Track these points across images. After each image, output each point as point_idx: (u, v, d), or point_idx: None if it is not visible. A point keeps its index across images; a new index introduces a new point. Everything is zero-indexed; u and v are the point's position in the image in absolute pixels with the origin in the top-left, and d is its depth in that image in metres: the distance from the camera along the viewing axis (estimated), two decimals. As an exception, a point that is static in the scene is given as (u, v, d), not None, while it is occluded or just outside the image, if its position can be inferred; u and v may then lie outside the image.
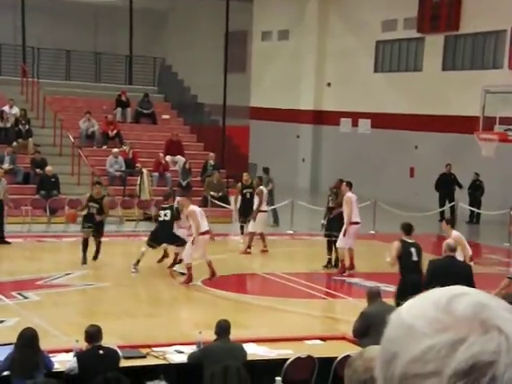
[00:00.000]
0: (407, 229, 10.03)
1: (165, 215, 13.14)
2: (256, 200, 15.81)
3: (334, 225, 13.77)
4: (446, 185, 20.49)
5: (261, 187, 15.96)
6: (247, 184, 16.45)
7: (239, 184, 16.77)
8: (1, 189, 15.36)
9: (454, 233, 10.77)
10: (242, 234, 16.33)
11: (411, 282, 9.17)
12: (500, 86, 16.05)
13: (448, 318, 0.96)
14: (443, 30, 22.73)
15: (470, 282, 8.59)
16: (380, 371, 0.98)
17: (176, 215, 13.10)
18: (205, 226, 12.41)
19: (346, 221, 13.43)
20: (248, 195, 16.27)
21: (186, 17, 28.20)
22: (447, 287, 1.01)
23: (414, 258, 9.78)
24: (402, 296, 8.72)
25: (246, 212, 16.08)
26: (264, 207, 15.92)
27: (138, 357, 7.65)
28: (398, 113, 23.91)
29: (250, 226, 15.61)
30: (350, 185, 14.06)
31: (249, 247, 15.34)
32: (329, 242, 13.98)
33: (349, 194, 13.75)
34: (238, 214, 16.53)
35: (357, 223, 13.69)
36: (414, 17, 23.38)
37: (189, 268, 12.35)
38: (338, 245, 13.63)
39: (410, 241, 9.94)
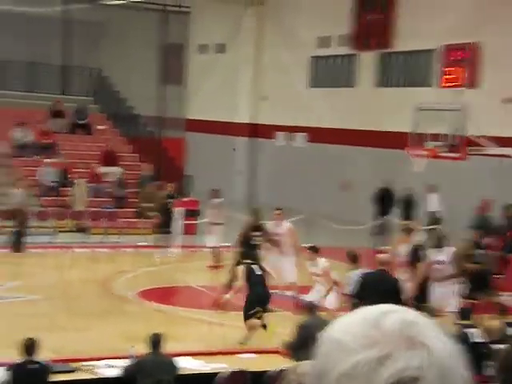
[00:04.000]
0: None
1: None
2: (211, 213, 15.67)
3: None
4: (381, 199, 20.85)
5: (217, 199, 15.86)
6: (170, 194, 16.47)
7: (163, 193, 16.79)
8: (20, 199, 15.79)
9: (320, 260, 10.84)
10: (159, 247, 15.96)
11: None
12: (431, 104, 16.53)
13: (376, 333, 0.97)
14: (376, 48, 23.31)
15: (398, 295, 8.87)
16: None
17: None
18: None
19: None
20: (169, 205, 16.29)
21: (122, 28, 28.02)
22: (378, 305, 1.03)
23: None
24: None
25: (167, 223, 16.03)
26: (220, 219, 15.69)
27: (67, 371, 7.57)
28: (333, 127, 24.36)
29: (209, 240, 15.31)
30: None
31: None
32: None
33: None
34: (158, 224, 16.34)
35: None
36: (347, 34, 23.92)
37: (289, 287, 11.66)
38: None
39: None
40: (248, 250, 11.74)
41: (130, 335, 9.92)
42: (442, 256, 10.98)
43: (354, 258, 10.08)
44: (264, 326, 9.99)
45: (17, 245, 15.79)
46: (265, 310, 10.01)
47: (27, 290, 12.67)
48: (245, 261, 10.95)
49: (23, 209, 16.18)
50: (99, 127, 23.11)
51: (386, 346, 0.96)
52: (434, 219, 17.52)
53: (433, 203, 18.99)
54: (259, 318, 9.93)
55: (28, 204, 16.55)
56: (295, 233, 12.37)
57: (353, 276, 9.71)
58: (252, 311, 9.90)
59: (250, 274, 10.16)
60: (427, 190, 19.08)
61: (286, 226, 12.42)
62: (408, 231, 11.46)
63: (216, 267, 14.93)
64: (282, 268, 12.14)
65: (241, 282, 10.21)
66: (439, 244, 11.22)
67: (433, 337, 0.97)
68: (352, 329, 0.99)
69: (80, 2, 26.01)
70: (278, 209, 12.64)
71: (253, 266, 10.35)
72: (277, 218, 12.48)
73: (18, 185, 16.60)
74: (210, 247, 15.41)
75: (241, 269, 10.46)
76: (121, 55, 27.57)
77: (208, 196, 16.27)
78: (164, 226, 16.11)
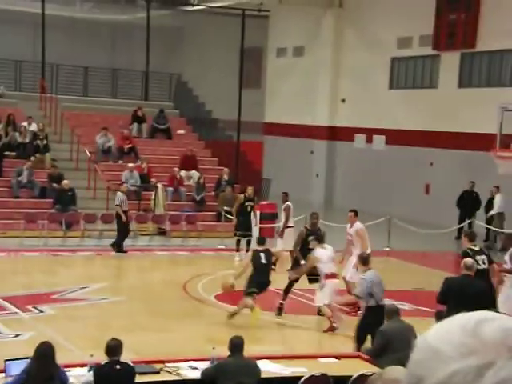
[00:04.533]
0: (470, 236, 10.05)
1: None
2: (283, 216, 15.74)
3: None
4: (467, 202, 20.32)
5: (288, 203, 15.86)
6: (250, 197, 16.48)
7: (241, 195, 16.81)
8: (120, 201, 16.54)
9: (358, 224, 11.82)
10: (238, 249, 16.05)
11: None
12: (516, 104, 15.99)
13: (475, 342, 0.95)
14: (459, 48, 22.73)
15: (487, 302, 8.41)
16: None
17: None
18: (329, 268, 11.01)
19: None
20: (249, 208, 16.30)
21: (201, 33, 28.41)
22: (474, 312, 1.00)
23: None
24: None
25: (245, 226, 16.05)
26: (291, 223, 15.80)
27: (152, 372, 7.65)
28: (413, 129, 23.89)
29: (279, 244, 15.32)
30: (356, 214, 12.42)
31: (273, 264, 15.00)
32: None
33: (361, 226, 12.29)
34: (236, 227, 16.36)
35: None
36: (429, 34, 23.42)
37: (325, 312, 11.20)
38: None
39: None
40: (305, 253, 11.68)
41: (210, 337, 9.98)
42: None
43: (364, 260, 9.76)
44: (251, 308, 10.97)
45: (119, 246, 16.33)
46: (258, 293, 11.01)
47: (111, 292, 12.97)
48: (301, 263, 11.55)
49: (126, 211, 16.62)
50: (179, 132, 23.47)
51: (487, 355, 0.93)
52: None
53: (498, 204, 19.08)
54: (253, 299, 10.97)
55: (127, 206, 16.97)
56: (364, 235, 12.21)
57: (364, 277, 9.43)
58: (249, 290, 10.96)
59: (255, 259, 11.10)
60: (494, 192, 19.22)
61: (357, 227, 12.30)
62: (469, 236, 10.96)
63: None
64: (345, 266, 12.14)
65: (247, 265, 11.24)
66: None
67: None
68: (450, 336, 0.97)
69: (161, 8, 26.53)
70: (351, 210, 12.59)
71: (260, 254, 11.18)
72: (349, 219, 12.46)
73: (121, 188, 17.10)
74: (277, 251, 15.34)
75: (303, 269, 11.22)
76: (200, 60, 27.96)
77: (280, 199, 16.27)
78: (243, 229, 16.15)
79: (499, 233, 19.20)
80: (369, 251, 11.48)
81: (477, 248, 10.04)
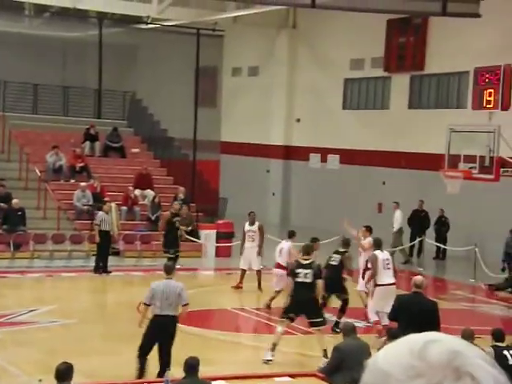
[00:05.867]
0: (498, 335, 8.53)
1: (305, 276, 10.40)
2: (258, 235, 15.66)
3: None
4: (417, 221, 20.65)
5: (259, 223, 15.91)
6: (177, 213, 16.46)
7: (167, 213, 16.78)
8: (110, 220, 16.31)
9: (369, 238, 12.48)
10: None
11: None
12: (464, 126, 16.36)
13: (422, 364, 0.97)
14: (409, 70, 23.16)
15: (434, 319, 8.63)
16: None
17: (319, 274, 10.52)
18: (387, 278, 11.17)
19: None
20: (177, 224, 16.32)
21: (156, 51, 28.31)
22: (422, 333, 1.02)
23: None
24: None
25: (172, 242, 16.01)
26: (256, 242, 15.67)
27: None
28: (366, 149, 24.17)
29: (257, 263, 15.37)
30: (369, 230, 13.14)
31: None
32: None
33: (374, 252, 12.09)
34: (164, 244, 16.36)
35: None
36: (380, 56, 23.81)
37: (375, 324, 11.27)
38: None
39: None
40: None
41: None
42: None
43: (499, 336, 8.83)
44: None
45: (104, 267, 16.23)
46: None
47: (62, 315, 12.66)
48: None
49: (107, 231, 16.52)
50: (133, 150, 23.25)
51: (433, 378, 0.96)
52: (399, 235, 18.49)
53: (399, 221, 19.79)
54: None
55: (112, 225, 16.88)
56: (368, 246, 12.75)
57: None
58: (284, 315, 10.33)
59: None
60: (394, 208, 19.99)
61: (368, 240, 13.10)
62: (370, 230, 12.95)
63: (238, 287, 15.23)
64: None
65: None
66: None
67: (478, 366, 0.98)
68: (398, 359, 0.99)
69: (114, 26, 26.36)
70: (364, 226, 13.57)
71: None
72: (363, 233, 13.39)
73: (104, 207, 16.88)
74: (243, 270, 15.40)
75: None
76: (155, 78, 27.83)
77: (244, 219, 16.25)
78: (171, 246, 16.05)
79: (401, 249, 19.66)
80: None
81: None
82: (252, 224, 15.81)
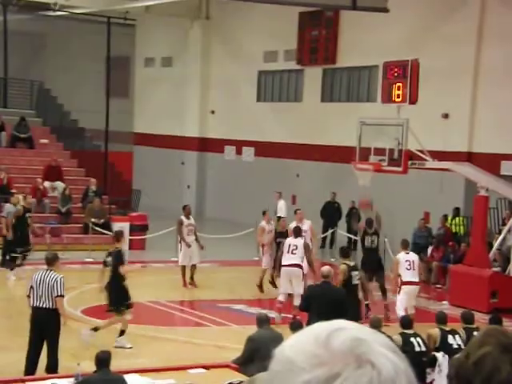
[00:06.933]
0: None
1: (372, 241, 13.16)
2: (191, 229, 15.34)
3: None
4: (329, 212, 21.00)
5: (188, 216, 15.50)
6: (29, 208, 16.08)
7: (19, 207, 15.97)
8: (6, 213, 15.62)
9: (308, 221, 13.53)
10: (16, 266, 15.47)
11: None
12: (374, 119, 16.74)
13: (325, 352, 0.97)
14: (321, 63, 23.49)
15: (342, 307, 8.97)
16: None
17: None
18: (407, 276, 11.87)
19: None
20: (28, 220, 15.70)
21: (65, 40, 27.56)
22: (330, 322, 1.02)
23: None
24: None
25: (24, 240, 15.36)
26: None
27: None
28: (280, 141, 24.39)
29: (198, 257, 15.11)
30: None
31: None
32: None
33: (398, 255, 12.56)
34: (13, 242, 15.59)
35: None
36: (293, 49, 24.03)
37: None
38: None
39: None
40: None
41: (75, 353, 9.60)
42: None
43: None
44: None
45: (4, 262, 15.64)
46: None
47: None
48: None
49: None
50: (42, 141, 22.59)
51: (335, 366, 0.96)
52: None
53: (281, 209, 19.79)
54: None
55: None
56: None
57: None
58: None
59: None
60: (277, 198, 19.92)
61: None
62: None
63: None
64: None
65: None
66: None
67: (379, 354, 0.98)
68: (303, 347, 0.99)
69: (20, 12, 25.45)
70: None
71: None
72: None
73: (12, 199, 16.16)
74: (183, 266, 15.04)
75: None
76: (64, 68, 27.10)
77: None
78: (22, 245, 15.25)
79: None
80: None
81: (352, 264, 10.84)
82: (188, 217, 15.36)
